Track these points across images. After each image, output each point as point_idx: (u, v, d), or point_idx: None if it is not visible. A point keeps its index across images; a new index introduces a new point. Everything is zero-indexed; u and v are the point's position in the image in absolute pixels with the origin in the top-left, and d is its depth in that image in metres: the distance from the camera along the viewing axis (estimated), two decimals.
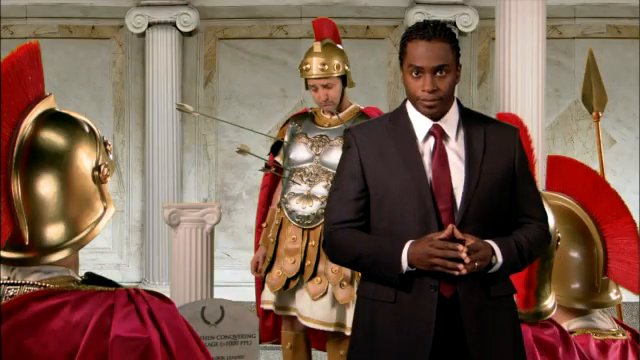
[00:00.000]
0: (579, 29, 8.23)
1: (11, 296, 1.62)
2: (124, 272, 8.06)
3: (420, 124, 2.52)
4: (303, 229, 4.16)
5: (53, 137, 1.68)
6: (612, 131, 8.09)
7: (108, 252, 7.90)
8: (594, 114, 4.87)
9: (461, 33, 7.96)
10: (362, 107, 4.55)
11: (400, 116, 2.57)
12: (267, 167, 4.43)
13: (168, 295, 1.81)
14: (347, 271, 4.07)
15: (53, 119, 1.71)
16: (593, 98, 4.83)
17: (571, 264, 2.54)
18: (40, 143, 1.66)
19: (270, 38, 8.24)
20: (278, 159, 4.41)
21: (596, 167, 3.51)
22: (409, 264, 2.31)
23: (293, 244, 4.18)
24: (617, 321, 2.60)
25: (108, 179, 1.71)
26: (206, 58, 8.25)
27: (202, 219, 5.86)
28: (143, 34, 7.90)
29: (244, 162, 7.76)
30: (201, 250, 5.82)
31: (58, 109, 1.77)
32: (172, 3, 7.86)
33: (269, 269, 4.26)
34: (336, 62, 4.28)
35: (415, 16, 7.86)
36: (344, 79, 4.35)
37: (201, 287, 5.77)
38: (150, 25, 7.83)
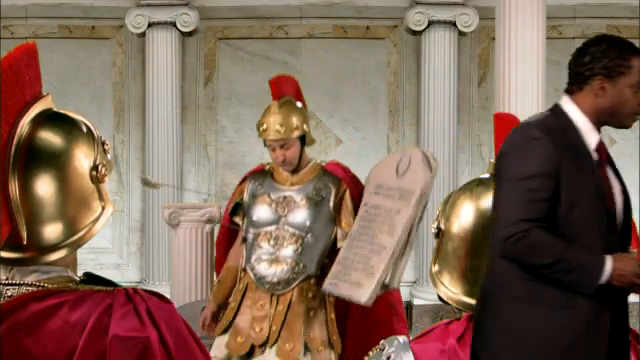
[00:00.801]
0: (579, 29, 8.23)
1: (9, 296, 1.62)
2: (124, 272, 8.06)
3: (588, 135, 2.51)
4: (272, 295, 3.95)
5: (50, 137, 1.68)
6: (612, 131, 8.09)
7: (108, 252, 7.90)
8: None
9: (461, 33, 7.96)
10: (324, 163, 4.25)
11: (564, 123, 2.52)
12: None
13: (168, 295, 1.81)
14: (324, 335, 3.93)
15: (50, 119, 1.71)
16: None
17: None
18: (37, 143, 1.66)
19: (270, 38, 8.24)
20: (237, 219, 4.18)
21: None
22: (608, 278, 2.37)
23: (260, 311, 3.95)
24: None
25: (106, 179, 1.71)
26: (206, 58, 8.25)
27: (202, 219, 5.87)
28: (143, 34, 7.90)
29: (244, 162, 7.76)
30: (201, 250, 5.83)
31: (56, 109, 1.76)
32: (172, 3, 7.86)
33: (226, 330, 4.01)
34: (295, 122, 4.08)
35: (415, 16, 7.87)
36: (303, 138, 4.12)
37: (201, 287, 5.77)
38: (150, 25, 7.83)
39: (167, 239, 7.31)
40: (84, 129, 1.73)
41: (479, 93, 8.27)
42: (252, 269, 3.99)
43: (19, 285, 1.64)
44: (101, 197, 1.71)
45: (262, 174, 4.18)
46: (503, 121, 2.85)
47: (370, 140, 8.26)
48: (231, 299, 4.07)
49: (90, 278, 1.69)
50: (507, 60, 5.82)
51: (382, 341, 1.94)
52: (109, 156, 1.75)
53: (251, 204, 4.09)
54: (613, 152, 8.94)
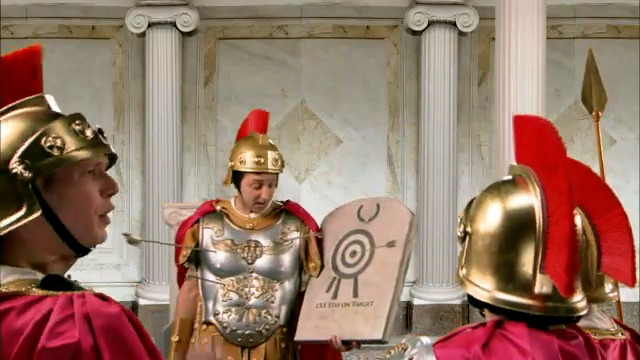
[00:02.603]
0: (579, 29, 8.24)
1: None
2: (124, 272, 8.06)
3: None
4: (243, 347, 3.71)
5: None
6: (612, 131, 8.09)
7: (108, 252, 7.89)
8: (594, 114, 4.86)
9: (461, 33, 7.96)
10: (279, 201, 3.99)
11: None
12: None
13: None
14: None
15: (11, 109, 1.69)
16: (593, 98, 4.82)
17: None
18: None
19: (270, 38, 8.24)
20: (191, 267, 3.88)
21: (596, 167, 3.49)
22: None
23: None
24: (616, 321, 2.60)
25: (25, 177, 1.61)
26: (206, 58, 8.25)
27: None
28: (143, 34, 7.90)
29: None
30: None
31: (52, 108, 1.73)
32: (172, 3, 7.86)
33: None
34: (281, 158, 3.92)
35: (415, 16, 7.87)
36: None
37: None
38: (150, 25, 7.83)
39: (167, 239, 7.30)
40: (24, 124, 1.66)
41: (479, 93, 8.27)
42: (220, 322, 3.73)
43: None
44: (19, 199, 1.61)
45: (216, 216, 3.88)
46: (527, 122, 2.78)
47: (370, 140, 8.26)
48: (194, 353, 3.78)
49: (49, 281, 1.62)
50: (507, 60, 5.82)
51: (404, 340, 1.91)
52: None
53: (209, 251, 3.78)
54: (613, 152, 8.96)
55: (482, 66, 8.26)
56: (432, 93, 7.86)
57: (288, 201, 3.98)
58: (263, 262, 3.78)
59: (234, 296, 3.74)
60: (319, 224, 3.86)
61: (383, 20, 8.21)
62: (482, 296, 1.84)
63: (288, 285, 3.78)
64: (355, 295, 3.48)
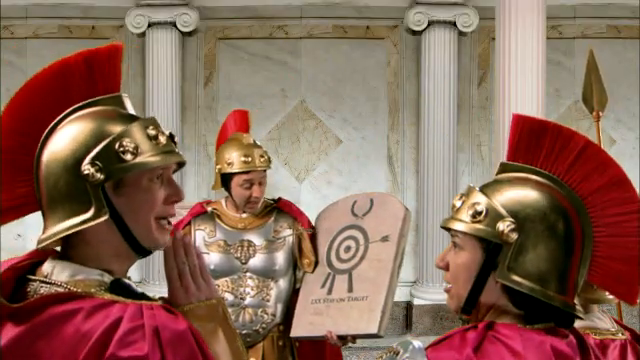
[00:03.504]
0: (579, 29, 8.24)
1: (41, 294, 1.59)
2: None
3: None
4: None
5: (69, 124, 1.70)
6: (612, 131, 8.10)
7: None
8: (594, 114, 4.86)
9: (461, 33, 7.96)
10: (270, 199, 3.98)
11: None
12: None
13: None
14: None
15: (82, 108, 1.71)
16: (593, 98, 4.82)
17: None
18: (57, 128, 1.69)
19: (270, 38, 8.24)
20: None
21: None
22: None
23: None
24: (616, 321, 2.60)
25: (97, 179, 1.63)
26: (206, 58, 8.25)
27: None
28: (143, 34, 7.90)
29: None
30: None
31: (127, 109, 1.73)
32: (172, 3, 7.86)
33: None
34: (267, 154, 3.88)
35: (415, 16, 7.87)
36: None
37: None
38: (150, 25, 7.83)
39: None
40: (99, 125, 1.67)
41: (479, 93, 8.27)
42: None
43: (51, 284, 1.61)
44: (89, 200, 1.62)
45: (207, 217, 3.87)
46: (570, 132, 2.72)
47: (370, 140, 8.26)
48: None
49: (116, 286, 1.63)
50: (507, 60, 5.82)
51: (395, 344, 1.88)
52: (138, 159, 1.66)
53: (202, 253, 3.77)
54: (613, 152, 8.96)
55: (482, 66, 8.26)
56: (432, 93, 7.86)
57: (280, 199, 3.98)
58: (257, 261, 3.78)
59: (229, 296, 3.73)
60: (314, 222, 3.86)
61: (383, 20, 8.21)
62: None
63: (283, 283, 3.79)
64: (350, 290, 3.48)
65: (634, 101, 8.11)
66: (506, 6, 5.83)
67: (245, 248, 3.79)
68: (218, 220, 3.85)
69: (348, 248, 3.60)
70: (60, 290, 1.59)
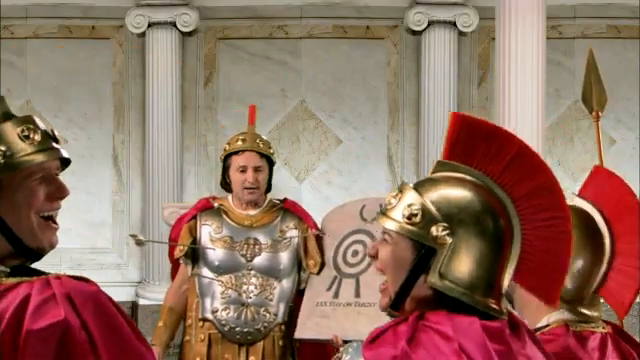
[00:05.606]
0: (579, 29, 8.24)
1: None
2: (124, 272, 8.05)
3: None
4: (240, 345, 3.67)
5: None
6: (612, 131, 8.09)
7: (108, 252, 7.89)
8: (594, 114, 4.85)
9: (461, 33, 7.96)
10: (276, 199, 3.94)
11: None
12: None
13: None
14: None
15: None
16: (593, 98, 4.81)
17: (573, 266, 2.51)
18: None
19: (270, 38, 8.24)
20: (188, 262, 3.81)
21: None
22: None
23: None
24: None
25: None
26: (206, 58, 8.25)
27: None
28: (143, 34, 7.90)
29: None
30: None
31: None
32: (172, 3, 7.86)
33: None
34: (270, 145, 3.87)
35: (415, 16, 7.87)
36: (270, 171, 3.86)
37: None
38: (150, 25, 7.82)
39: (167, 239, 7.31)
40: None
41: (479, 93, 8.27)
42: (219, 320, 3.69)
43: None
44: None
45: (214, 213, 3.84)
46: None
47: (370, 140, 8.26)
48: (192, 351, 3.73)
49: (19, 270, 1.64)
50: (507, 60, 5.81)
51: (341, 348, 1.92)
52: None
53: (208, 248, 3.75)
54: (613, 152, 8.96)
55: (482, 66, 8.26)
56: (432, 93, 7.86)
57: (286, 199, 3.97)
58: (262, 260, 3.75)
59: (233, 293, 3.71)
60: (318, 223, 3.85)
61: (383, 20, 8.21)
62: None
63: (286, 283, 3.76)
64: (357, 295, 3.47)
65: (634, 101, 8.11)
66: (506, 6, 5.83)
67: (251, 246, 3.76)
68: (225, 216, 3.82)
69: (356, 252, 3.59)
70: None
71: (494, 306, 1.77)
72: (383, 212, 1.85)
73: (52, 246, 1.71)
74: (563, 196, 1.86)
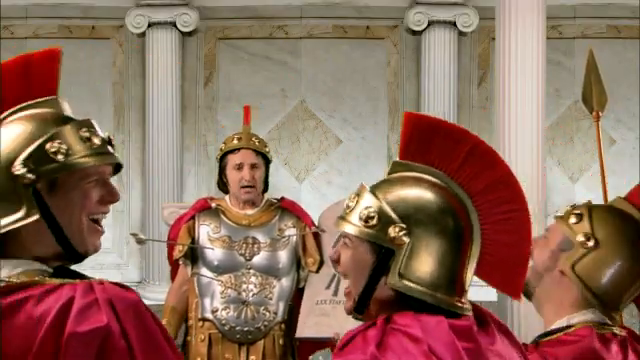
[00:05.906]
0: (579, 29, 8.24)
1: None
2: (124, 272, 8.06)
3: None
4: (241, 344, 3.69)
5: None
6: (612, 131, 8.09)
7: (108, 252, 7.89)
8: (594, 114, 4.86)
9: (461, 33, 7.96)
10: (273, 198, 3.96)
11: None
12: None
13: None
14: None
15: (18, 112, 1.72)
16: (593, 98, 4.81)
17: (618, 272, 2.49)
18: None
19: (270, 38, 8.24)
20: (187, 262, 3.83)
21: (596, 167, 3.49)
22: None
23: None
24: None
25: (28, 180, 1.64)
26: (206, 58, 8.25)
27: None
28: (143, 34, 7.90)
29: None
30: None
31: (64, 111, 1.75)
32: (172, 3, 7.86)
33: None
34: (265, 143, 3.92)
35: (415, 16, 7.87)
36: (266, 170, 3.87)
37: None
38: (150, 25, 7.83)
39: (167, 239, 7.31)
40: (31, 127, 1.68)
41: (479, 93, 8.27)
42: (219, 319, 3.71)
43: None
44: (20, 200, 1.63)
45: (212, 213, 3.86)
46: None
47: (370, 140, 8.26)
48: (193, 352, 3.75)
49: (61, 271, 1.66)
50: (507, 60, 5.81)
51: (311, 357, 1.92)
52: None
53: (207, 248, 3.76)
54: (613, 152, 8.94)
55: (482, 66, 8.26)
56: (432, 93, 7.86)
57: (283, 198, 3.98)
58: (260, 259, 3.77)
59: (232, 293, 3.72)
60: (315, 221, 3.86)
61: (383, 20, 8.21)
62: None
63: (285, 282, 3.78)
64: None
65: (634, 101, 8.11)
66: (506, 6, 5.83)
67: (250, 245, 3.78)
68: (223, 216, 3.84)
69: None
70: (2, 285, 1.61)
71: (458, 304, 1.77)
72: (342, 217, 1.86)
73: (96, 250, 1.74)
74: (520, 188, 1.85)
